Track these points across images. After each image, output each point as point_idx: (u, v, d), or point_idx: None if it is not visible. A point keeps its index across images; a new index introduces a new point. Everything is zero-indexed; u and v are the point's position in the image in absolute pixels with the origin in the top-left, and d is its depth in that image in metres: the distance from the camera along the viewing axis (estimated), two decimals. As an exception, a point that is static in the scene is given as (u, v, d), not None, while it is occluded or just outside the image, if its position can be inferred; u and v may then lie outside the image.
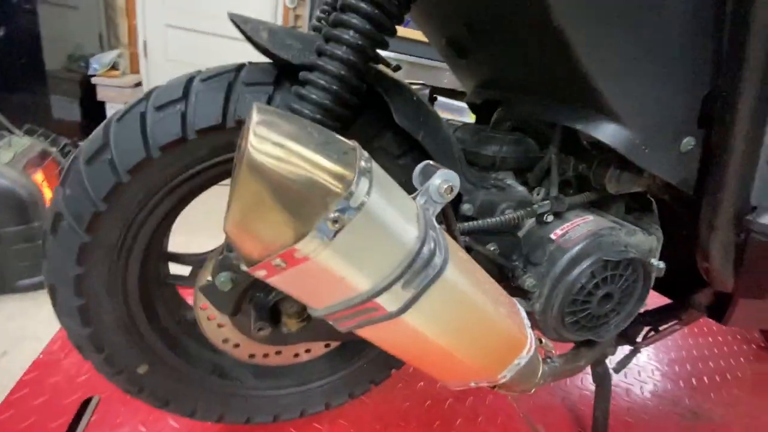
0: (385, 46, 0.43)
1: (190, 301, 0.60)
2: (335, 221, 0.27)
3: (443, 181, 0.36)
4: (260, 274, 0.31)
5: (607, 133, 0.49)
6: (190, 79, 0.45)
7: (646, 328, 0.76)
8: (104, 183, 0.44)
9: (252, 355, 0.61)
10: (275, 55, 0.43)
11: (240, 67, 0.47)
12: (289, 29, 0.47)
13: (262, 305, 0.50)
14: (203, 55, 2.55)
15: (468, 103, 0.79)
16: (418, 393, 0.88)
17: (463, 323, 0.37)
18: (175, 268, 0.61)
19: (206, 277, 0.51)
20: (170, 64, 2.62)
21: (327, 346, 0.69)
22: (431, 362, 0.42)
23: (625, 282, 0.58)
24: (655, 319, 0.76)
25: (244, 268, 0.31)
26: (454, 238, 0.49)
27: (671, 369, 1.14)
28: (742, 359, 1.25)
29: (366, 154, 0.32)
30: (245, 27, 0.44)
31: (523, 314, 0.49)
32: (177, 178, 0.47)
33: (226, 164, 0.48)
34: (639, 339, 0.76)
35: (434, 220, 0.37)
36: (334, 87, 0.40)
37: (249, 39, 0.44)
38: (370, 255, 0.30)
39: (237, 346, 0.58)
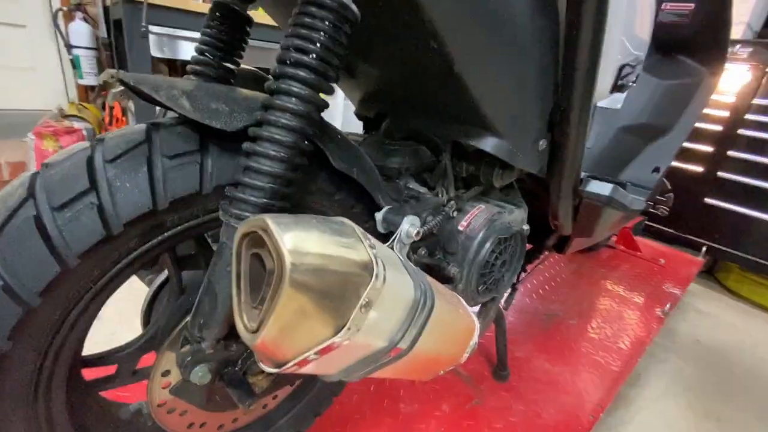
0: (330, 92, 0.43)
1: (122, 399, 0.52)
2: (366, 305, 0.30)
3: (411, 226, 0.42)
4: (289, 369, 0.32)
5: (490, 144, 0.62)
6: (88, 161, 0.37)
7: (519, 270, 1.01)
8: (4, 319, 0.34)
9: (221, 426, 0.57)
10: (207, 125, 0.39)
11: (149, 135, 0.40)
12: (200, 86, 0.42)
13: (237, 380, 0.48)
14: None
15: (357, 115, 0.84)
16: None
17: (446, 333, 0.45)
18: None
19: (169, 378, 0.45)
20: None
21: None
22: (417, 370, 0.50)
23: (513, 249, 0.76)
24: (525, 262, 1.00)
25: (269, 369, 0.31)
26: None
27: (524, 287, 1.52)
28: (559, 266, 1.74)
29: (360, 229, 0.34)
30: (158, 95, 0.38)
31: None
32: (100, 281, 0.39)
33: (157, 247, 0.42)
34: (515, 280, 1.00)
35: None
36: (286, 151, 0.39)
37: (167, 108, 0.39)
38: (389, 317, 0.34)
39: (203, 424, 0.54)
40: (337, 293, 0.29)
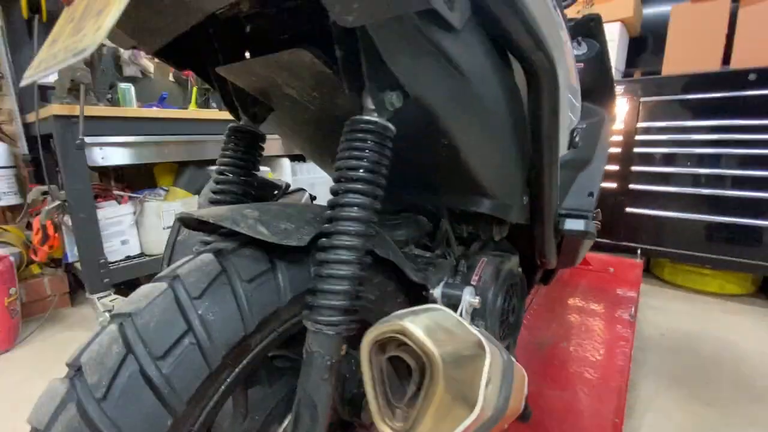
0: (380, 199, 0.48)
1: None
2: (489, 381, 0.34)
3: (471, 296, 0.47)
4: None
5: (487, 206, 0.71)
6: (176, 301, 0.38)
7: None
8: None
9: None
10: (282, 245, 0.42)
11: (222, 265, 0.42)
12: (263, 209, 0.45)
13: None
14: None
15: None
16: None
17: (517, 388, 0.50)
18: None
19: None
20: None
21: None
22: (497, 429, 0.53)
23: (519, 292, 0.84)
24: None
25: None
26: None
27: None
28: (531, 295, 1.87)
29: (450, 311, 0.39)
30: (240, 227, 0.41)
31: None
32: (198, 421, 0.38)
33: (242, 372, 0.42)
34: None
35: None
36: (357, 255, 0.44)
37: (248, 235, 0.41)
38: (496, 386, 0.38)
39: None
40: (469, 375, 0.32)
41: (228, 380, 0.40)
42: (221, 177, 0.60)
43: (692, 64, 2.05)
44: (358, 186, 0.44)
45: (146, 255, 2.15)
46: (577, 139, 0.84)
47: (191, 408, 0.36)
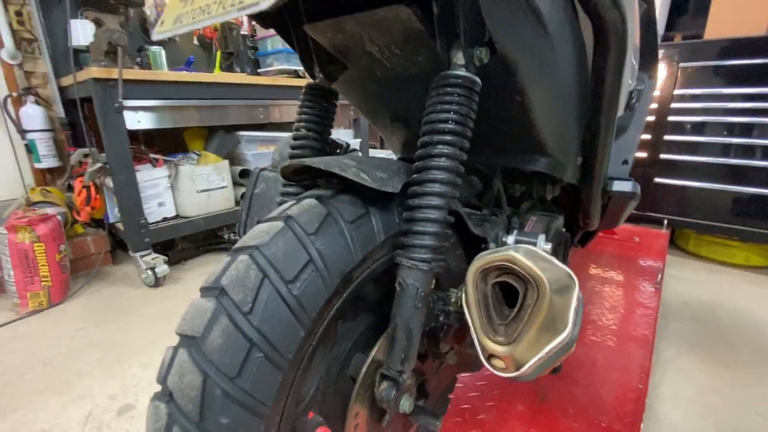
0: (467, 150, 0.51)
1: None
2: (577, 306, 0.39)
3: (545, 243, 0.52)
4: (527, 371, 0.39)
5: (544, 165, 0.74)
6: (296, 237, 0.43)
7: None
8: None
9: None
10: (381, 190, 0.47)
11: (327, 208, 0.46)
12: (360, 160, 0.49)
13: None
14: None
15: (400, 159, 0.94)
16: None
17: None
18: None
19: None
20: None
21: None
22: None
23: (564, 249, 0.88)
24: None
25: (507, 375, 0.39)
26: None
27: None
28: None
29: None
30: (347, 173, 0.45)
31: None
32: (316, 337, 0.44)
33: (347, 300, 0.48)
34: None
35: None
36: (445, 201, 0.48)
37: (352, 183, 0.46)
38: (576, 314, 0.43)
39: None
40: (563, 298, 0.37)
41: (337, 305, 0.46)
42: (300, 133, 0.64)
43: (737, 28, 1.97)
44: (448, 138, 0.48)
45: (181, 217, 2.24)
46: (633, 101, 0.85)
47: (314, 325, 0.42)
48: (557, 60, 0.55)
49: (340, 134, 3.00)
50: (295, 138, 0.64)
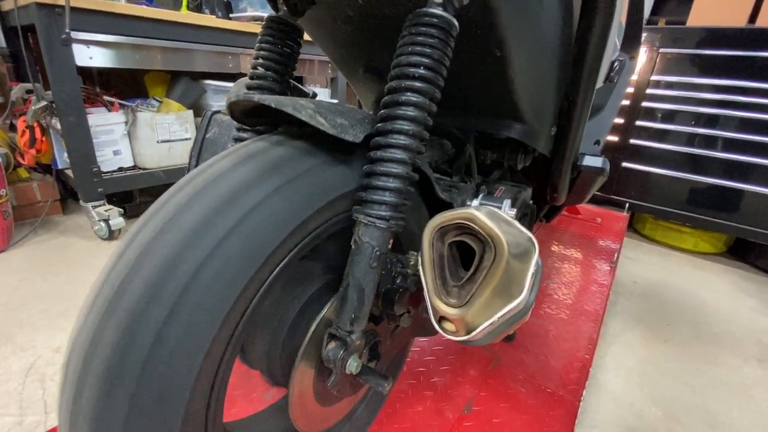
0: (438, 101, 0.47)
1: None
2: (534, 273, 0.38)
3: (510, 208, 0.50)
4: (477, 336, 0.38)
5: (518, 132, 0.72)
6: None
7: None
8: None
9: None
10: (340, 138, 0.42)
11: (276, 154, 0.42)
12: (320, 104, 0.44)
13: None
14: None
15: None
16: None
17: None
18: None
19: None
20: None
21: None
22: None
23: (530, 221, 0.88)
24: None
25: (458, 338, 0.37)
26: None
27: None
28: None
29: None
30: (301, 114, 0.40)
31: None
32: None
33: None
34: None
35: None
36: (409, 155, 0.44)
37: (305, 124, 0.41)
38: (533, 280, 0.42)
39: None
40: (522, 263, 0.35)
41: (283, 264, 0.42)
42: (258, 71, 0.57)
43: (719, 18, 1.98)
44: (418, 84, 0.44)
45: (140, 168, 2.10)
46: (613, 73, 0.83)
47: (252, 281, 0.39)
48: (542, 15, 0.51)
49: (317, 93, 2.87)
50: (251, 77, 0.57)
